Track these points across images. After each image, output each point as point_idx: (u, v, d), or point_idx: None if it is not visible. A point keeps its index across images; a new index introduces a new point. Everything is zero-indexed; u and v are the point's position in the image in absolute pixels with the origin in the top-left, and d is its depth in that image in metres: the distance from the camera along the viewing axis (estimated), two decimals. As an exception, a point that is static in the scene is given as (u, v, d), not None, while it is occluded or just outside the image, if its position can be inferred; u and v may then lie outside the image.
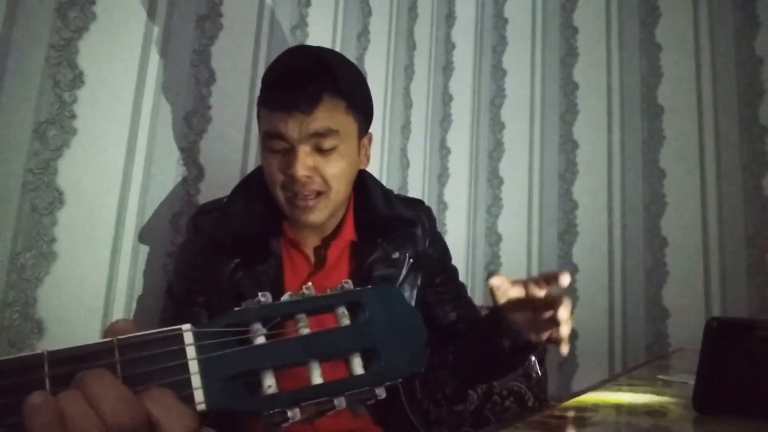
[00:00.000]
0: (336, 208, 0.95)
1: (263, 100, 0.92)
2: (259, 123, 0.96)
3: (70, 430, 0.30)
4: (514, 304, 0.78)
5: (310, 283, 0.38)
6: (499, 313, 0.82)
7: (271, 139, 0.90)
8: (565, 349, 0.75)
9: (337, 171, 0.90)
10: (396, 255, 0.96)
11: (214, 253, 0.94)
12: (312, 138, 0.88)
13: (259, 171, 1.00)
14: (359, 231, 1.00)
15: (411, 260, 0.98)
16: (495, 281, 0.78)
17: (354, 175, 0.98)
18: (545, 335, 0.76)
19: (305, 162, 0.88)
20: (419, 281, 1.00)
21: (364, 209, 1.01)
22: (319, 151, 0.89)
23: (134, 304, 1.08)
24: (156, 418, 0.32)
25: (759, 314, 1.54)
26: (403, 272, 0.97)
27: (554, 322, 0.73)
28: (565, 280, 0.74)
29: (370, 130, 1.01)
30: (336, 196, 0.92)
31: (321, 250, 0.98)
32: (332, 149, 0.89)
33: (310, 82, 0.87)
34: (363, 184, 1.04)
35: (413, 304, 0.99)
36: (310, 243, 0.99)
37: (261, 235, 0.95)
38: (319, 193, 0.90)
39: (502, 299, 0.78)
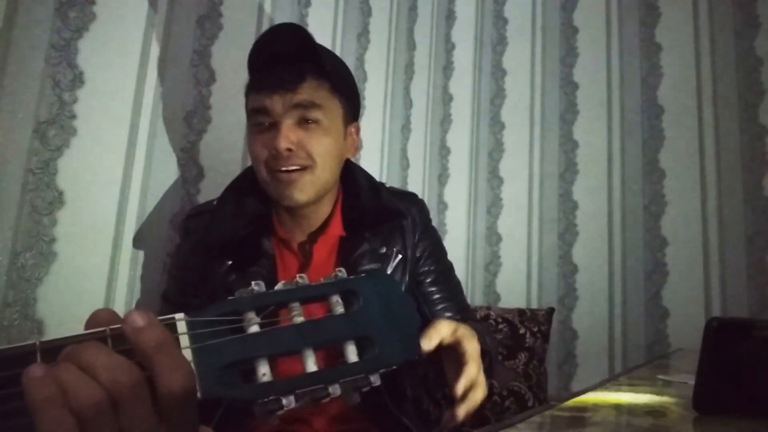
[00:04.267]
0: (322, 189, 0.92)
1: (250, 83, 0.93)
2: (246, 108, 0.95)
3: (72, 400, 0.30)
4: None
5: (303, 274, 0.39)
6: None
7: (256, 114, 0.90)
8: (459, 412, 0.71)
9: (320, 147, 0.90)
10: (383, 250, 0.96)
11: (206, 257, 0.93)
12: (295, 110, 0.88)
13: (248, 171, 1.00)
14: (347, 226, 0.98)
15: (399, 256, 0.97)
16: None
17: (341, 159, 0.97)
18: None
19: (288, 135, 0.87)
20: (407, 278, 0.98)
21: (351, 204, 1.00)
22: (303, 124, 0.89)
23: (134, 304, 1.08)
24: (154, 375, 0.32)
25: (759, 314, 1.54)
26: (390, 268, 0.96)
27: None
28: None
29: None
30: (322, 174, 0.90)
31: (306, 246, 0.96)
32: (316, 123, 0.90)
33: (295, 62, 0.89)
34: (351, 176, 1.03)
35: None
36: (299, 239, 0.97)
37: (252, 236, 0.94)
38: (303, 169, 0.89)
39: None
